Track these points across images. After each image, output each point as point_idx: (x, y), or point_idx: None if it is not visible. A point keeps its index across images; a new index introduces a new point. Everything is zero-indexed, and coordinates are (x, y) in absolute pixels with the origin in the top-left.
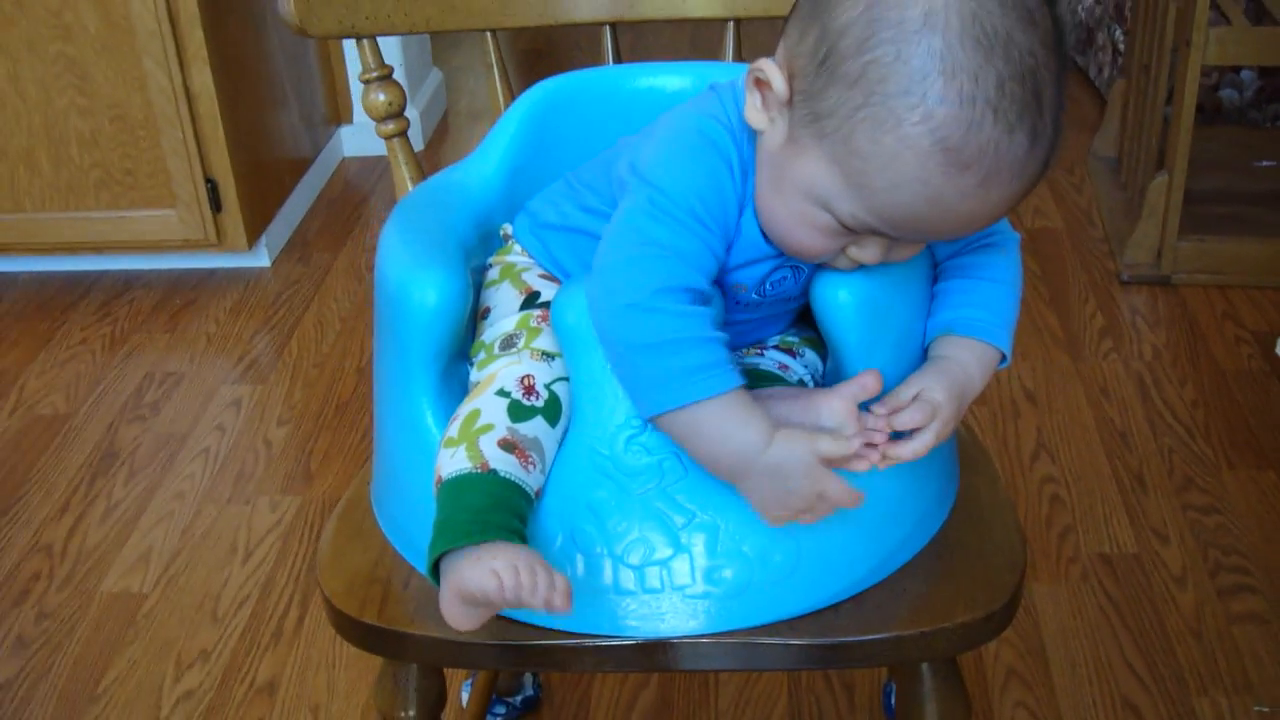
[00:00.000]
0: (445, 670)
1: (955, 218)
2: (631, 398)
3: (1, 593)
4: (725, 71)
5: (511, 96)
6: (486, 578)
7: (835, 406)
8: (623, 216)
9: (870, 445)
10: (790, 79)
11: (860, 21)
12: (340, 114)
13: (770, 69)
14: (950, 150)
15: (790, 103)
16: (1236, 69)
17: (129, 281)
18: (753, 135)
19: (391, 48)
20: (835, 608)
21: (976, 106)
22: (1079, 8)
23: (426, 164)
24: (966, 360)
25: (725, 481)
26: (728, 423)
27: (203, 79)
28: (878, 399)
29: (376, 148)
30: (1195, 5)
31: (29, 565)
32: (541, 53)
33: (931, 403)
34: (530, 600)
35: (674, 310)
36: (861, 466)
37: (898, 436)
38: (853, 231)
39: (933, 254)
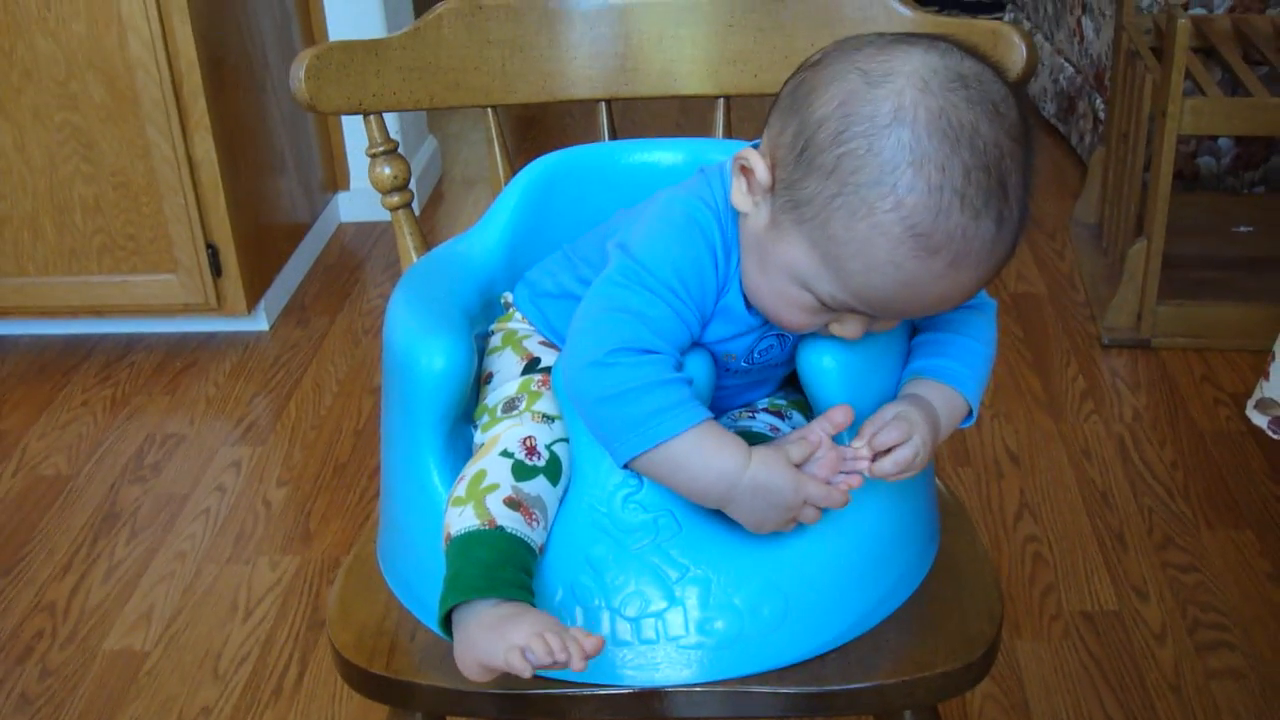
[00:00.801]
0: None
1: (927, 297)
2: (607, 449)
3: (5, 651)
4: (716, 148)
5: (511, 168)
6: (514, 657)
7: (802, 433)
8: (596, 286)
9: (852, 473)
10: (772, 167)
11: (835, 116)
12: (337, 181)
13: (754, 158)
14: (920, 236)
15: (772, 189)
16: (1214, 137)
17: (130, 344)
18: (736, 215)
19: (389, 115)
20: (822, 658)
21: (944, 195)
22: (1060, 77)
23: (422, 228)
24: (936, 398)
25: (715, 509)
26: (705, 453)
27: (205, 147)
28: (853, 429)
29: (372, 213)
30: (1171, 77)
31: (32, 624)
32: (535, 120)
33: (910, 420)
34: (561, 660)
35: (630, 362)
36: (840, 500)
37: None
38: (833, 309)
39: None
